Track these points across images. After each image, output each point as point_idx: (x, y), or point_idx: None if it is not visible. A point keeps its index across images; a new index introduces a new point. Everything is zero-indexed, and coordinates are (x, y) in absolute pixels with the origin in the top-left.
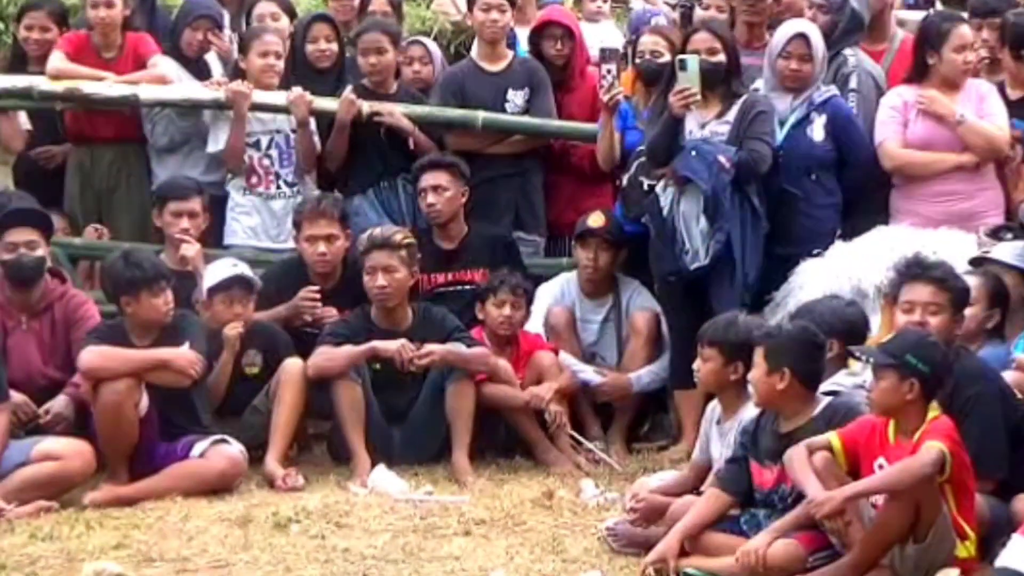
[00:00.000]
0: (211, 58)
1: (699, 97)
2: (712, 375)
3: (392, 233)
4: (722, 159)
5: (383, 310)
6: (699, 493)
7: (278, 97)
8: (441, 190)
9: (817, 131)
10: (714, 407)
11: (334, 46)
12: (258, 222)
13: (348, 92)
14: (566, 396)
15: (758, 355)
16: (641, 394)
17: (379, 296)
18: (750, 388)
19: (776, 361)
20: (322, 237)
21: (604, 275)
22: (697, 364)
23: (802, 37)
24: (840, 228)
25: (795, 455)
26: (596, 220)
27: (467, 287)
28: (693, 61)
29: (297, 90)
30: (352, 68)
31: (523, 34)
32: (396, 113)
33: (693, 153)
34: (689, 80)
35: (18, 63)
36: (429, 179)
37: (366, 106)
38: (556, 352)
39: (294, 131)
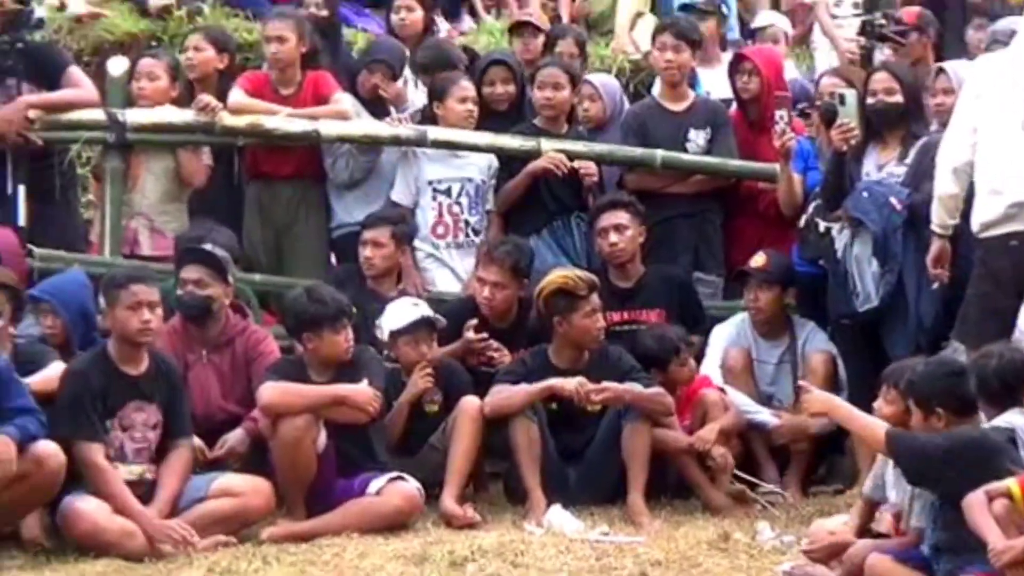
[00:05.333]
0: None
1: (857, 132)
2: (893, 418)
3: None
4: (893, 200)
5: (564, 351)
6: (870, 532)
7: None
8: (623, 228)
9: None
10: None
11: (511, 87)
12: (438, 269)
13: (552, 154)
14: (732, 435)
15: (911, 404)
16: (817, 437)
17: (599, 335)
18: None
19: (927, 405)
20: (489, 282)
21: (769, 315)
22: (878, 404)
23: (942, 72)
24: None
25: (974, 501)
26: (757, 260)
27: (643, 327)
28: (851, 96)
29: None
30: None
31: (706, 75)
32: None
33: (865, 194)
34: (847, 115)
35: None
36: (610, 218)
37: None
38: (723, 391)
39: (483, 180)
